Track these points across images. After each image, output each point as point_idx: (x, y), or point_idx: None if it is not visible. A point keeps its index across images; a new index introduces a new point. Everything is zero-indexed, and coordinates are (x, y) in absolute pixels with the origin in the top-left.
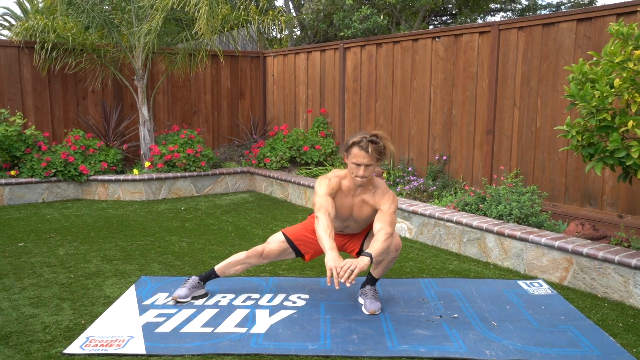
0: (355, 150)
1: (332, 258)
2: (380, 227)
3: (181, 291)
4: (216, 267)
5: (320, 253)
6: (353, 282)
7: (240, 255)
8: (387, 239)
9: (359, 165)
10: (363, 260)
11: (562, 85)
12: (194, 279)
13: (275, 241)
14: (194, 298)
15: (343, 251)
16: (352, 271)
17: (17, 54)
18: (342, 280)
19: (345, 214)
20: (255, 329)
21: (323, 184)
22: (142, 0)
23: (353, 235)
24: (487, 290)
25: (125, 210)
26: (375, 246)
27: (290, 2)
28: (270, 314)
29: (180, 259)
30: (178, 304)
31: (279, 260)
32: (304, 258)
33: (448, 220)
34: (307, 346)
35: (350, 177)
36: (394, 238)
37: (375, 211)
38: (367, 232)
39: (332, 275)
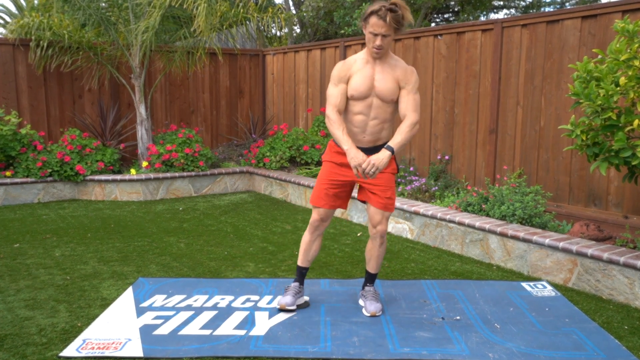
0: (373, 19)
1: (352, 157)
2: (404, 114)
3: (287, 299)
4: (299, 263)
5: (347, 193)
6: (375, 177)
7: (306, 237)
8: (411, 129)
9: (376, 35)
10: (384, 157)
11: (566, 84)
12: (295, 284)
13: (317, 206)
14: (299, 306)
15: (368, 191)
16: (374, 172)
17: (12, 51)
18: (368, 176)
19: (366, 86)
20: (254, 332)
21: (335, 69)
22: None
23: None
24: (490, 292)
25: (123, 210)
26: (397, 139)
27: (290, 0)
28: (270, 316)
29: (179, 260)
30: (286, 312)
31: (279, 262)
32: (342, 208)
33: (450, 221)
34: (307, 349)
35: (368, 50)
36: (381, 225)
37: (398, 89)
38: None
39: (357, 172)
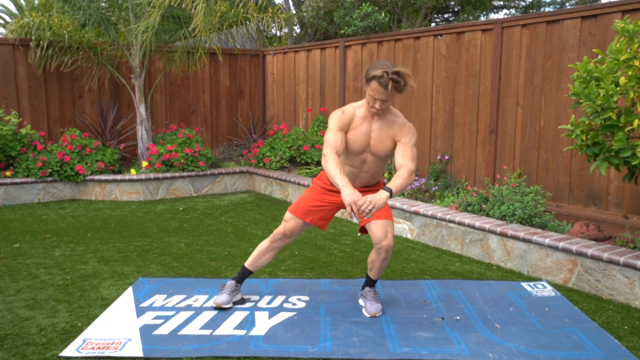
0: (374, 84)
1: (348, 194)
2: (402, 163)
3: (223, 297)
4: (246, 264)
5: (331, 215)
6: (371, 217)
7: (264, 244)
8: (409, 176)
9: (376, 99)
10: (382, 197)
11: (566, 84)
12: (231, 282)
13: (291, 218)
14: (235, 303)
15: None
16: (370, 210)
17: (12, 52)
18: (363, 217)
19: (362, 143)
20: (254, 331)
21: (335, 118)
22: None
23: (368, 190)
24: (489, 292)
25: (123, 210)
26: (396, 182)
27: (290, 0)
28: (270, 316)
29: (179, 260)
30: (221, 310)
31: (279, 262)
32: (321, 228)
33: (450, 221)
34: (307, 349)
35: (366, 106)
36: (386, 239)
37: (393, 145)
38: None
39: (352, 211)
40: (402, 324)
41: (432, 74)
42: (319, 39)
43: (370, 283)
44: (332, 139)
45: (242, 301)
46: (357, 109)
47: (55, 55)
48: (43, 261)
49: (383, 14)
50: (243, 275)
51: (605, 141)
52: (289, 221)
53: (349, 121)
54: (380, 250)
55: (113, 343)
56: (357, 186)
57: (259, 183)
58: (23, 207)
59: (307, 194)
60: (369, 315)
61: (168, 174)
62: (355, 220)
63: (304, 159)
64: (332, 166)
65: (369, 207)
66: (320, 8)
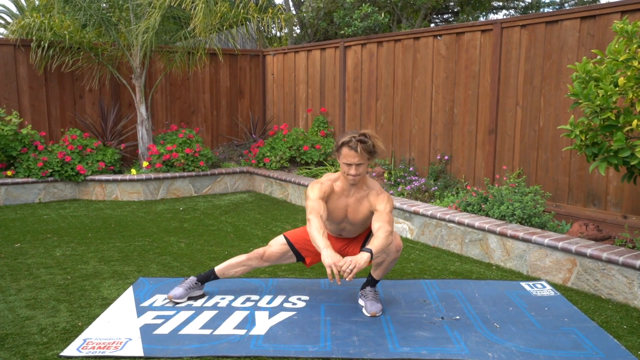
0: (345, 150)
1: (328, 256)
2: (379, 225)
3: (177, 291)
4: (216, 269)
5: (317, 258)
6: (352, 279)
7: (240, 257)
8: (388, 236)
9: (350, 165)
10: (362, 258)
11: (565, 84)
12: (192, 279)
13: (277, 244)
14: (191, 298)
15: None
16: (352, 270)
17: (13, 52)
18: (344, 277)
19: (340, 216)
20: (254, 331)
21: (315, 189)
22: None
23: (351, 239)
24: (489, 292)
25: (123, 210)
26: (375, 242)
27: (290, 0)
28: (270, 316)
29: (179, 260)
30: (174, 304)
31: None
32: (304, 262)
33: (450, 221)
34: (307, 348)
35: (343, 177)
36: (395, 238)
37: (370, 213)
38: (365, 237)
39: (332, 273)
40: (401, 323)
41: (432, 75)
42: (319, 40)
43: (372, 283)
44: (315, 205)
45: (202, 296)
46: (334, 182)
47: (56, 55)
48: (44, 261)
49: (383, 15)
50: (207, 277)
51: (604, 141)
52: (272, 246)
53: (329, 192)
54: (390, 251)
55: (114, 343)
56: (342, 237)
57: (259, 183)
58: (24, 207)
59: (304, 229)
60: (369, 315)
61: (168, 174)
62: (334, 286)
63: (304, 159)
64: (314, 229)
65: (350, 267)
66: (320, 9)
